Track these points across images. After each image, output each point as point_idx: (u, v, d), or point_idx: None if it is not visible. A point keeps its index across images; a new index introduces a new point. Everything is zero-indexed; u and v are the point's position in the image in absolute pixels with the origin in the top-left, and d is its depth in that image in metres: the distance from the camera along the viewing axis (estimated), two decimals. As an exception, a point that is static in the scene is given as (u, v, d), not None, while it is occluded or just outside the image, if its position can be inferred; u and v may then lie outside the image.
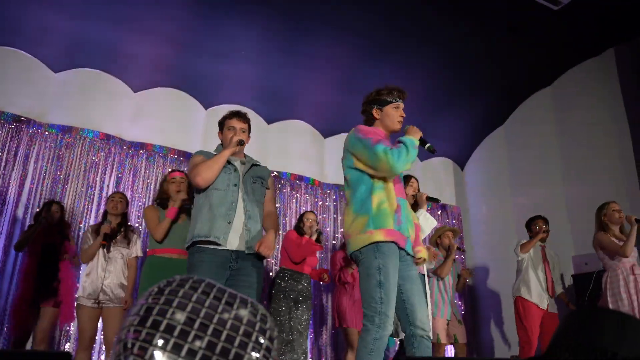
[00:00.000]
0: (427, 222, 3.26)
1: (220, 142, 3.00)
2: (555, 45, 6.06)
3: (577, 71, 6.49)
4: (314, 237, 4.51)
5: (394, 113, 2.65)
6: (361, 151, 2.52)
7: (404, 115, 2.68)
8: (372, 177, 2.52)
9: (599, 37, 6.06)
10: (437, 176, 7.12)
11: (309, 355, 5.50)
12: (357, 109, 6.31)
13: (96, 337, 4.01)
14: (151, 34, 5.19)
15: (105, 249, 3.78)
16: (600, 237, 4.24)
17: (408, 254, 2.56)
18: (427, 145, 2.59)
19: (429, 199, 3.48)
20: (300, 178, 6.04)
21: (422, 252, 2.63)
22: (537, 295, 4.51)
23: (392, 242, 2.43)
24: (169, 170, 4.16)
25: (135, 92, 5.55)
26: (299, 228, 4.64)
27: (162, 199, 3.64)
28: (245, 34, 5.36)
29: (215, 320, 0.86)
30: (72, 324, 4.43)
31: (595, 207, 5.76)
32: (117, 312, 3.71)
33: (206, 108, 5.90)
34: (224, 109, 5.83)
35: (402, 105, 2.69)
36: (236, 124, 2.89)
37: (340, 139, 6.56)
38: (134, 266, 3.90)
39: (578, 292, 5.23)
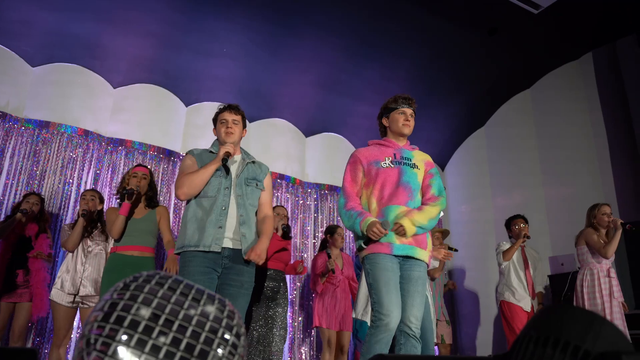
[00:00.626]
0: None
1: (216, 138, 2.94)
2: (534, 49, 6.15)
3: (556, 74, 6.59)
4: (279, 233, 4.32)
5: (398, 118, 2.84)
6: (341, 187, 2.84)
7: (410, 120, 2.85)
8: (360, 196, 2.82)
9: (577, 41, 6.16)
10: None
11: (288, 355, 5.49)
12: (339, 108, 6.39)
13: (72, 335, 3.96)
14: (132, 29, 5.13)
15: (83, 243, 3.75)
16: (589, 232, 4.29)
17: (407, 257, 2.65)
18: (360, 244, 2.70)
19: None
20: (282, 177, 6.02)
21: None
22: (521, 297, 4.53)
23: (375, 253, 2.61)
24: (136, 164, 4.09)
25: (115, 87, 5.48)
26: None
27: (121, 195, 3.58)
28: (228, 32, 5.33)
29: (180, 316, 0.85)
30: (48, 320, 4.37)
31: (573, 208, 5.88)
32: None
33: (187, 105, 5.85)
34: (205, 106, 5.85)
35: (408, 110, 2.87)
36: (228, 116, 2.84)
37: (321, 138, 6.58)
38: None
39: (554, 292, 5.31)
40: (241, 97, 5.89)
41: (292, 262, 4.71)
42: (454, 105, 6.84)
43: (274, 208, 4.50)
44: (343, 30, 5.52)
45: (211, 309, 0.89)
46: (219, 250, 2.61)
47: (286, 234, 4.41)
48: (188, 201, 2.76)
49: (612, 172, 5.87)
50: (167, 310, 0.85)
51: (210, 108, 5.79)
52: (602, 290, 4.08)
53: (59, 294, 3.65)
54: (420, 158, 2.87)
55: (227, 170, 2.74)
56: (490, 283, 6.52)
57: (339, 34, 5.56)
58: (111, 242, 3.86)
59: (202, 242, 2.59)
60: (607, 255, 4.14)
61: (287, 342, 5.44)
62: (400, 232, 2.59)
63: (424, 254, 2.68)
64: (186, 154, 2.87)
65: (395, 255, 2.62)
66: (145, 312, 0.83)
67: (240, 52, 5.57)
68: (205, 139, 5.61)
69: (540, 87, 6.73)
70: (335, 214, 6.32)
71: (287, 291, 4.41)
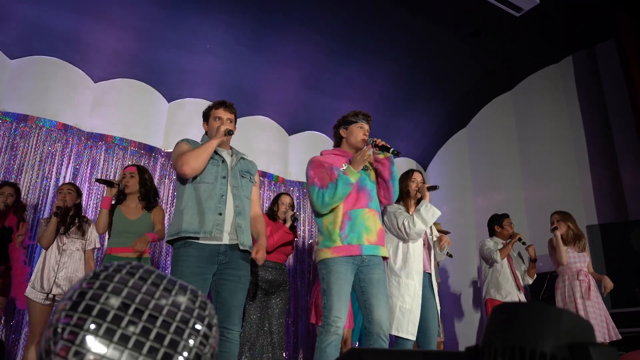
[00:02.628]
0: (428, 213, 3.25)
1: (205, 132, 2.90)
2: (516, 51, 6.22)
3: (536, 77, 6.68)
4: (289, 224, 4.21)
5: (357, 131, 2.97)
6: (309, 190, 2.90)
7: (367, 136, 2.97)
8: None
9: (558, 45, 6.24)
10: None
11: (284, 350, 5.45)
12: (322, 106, 6.39)
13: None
14: (114, 23, 5.07)
15: (59, 240, 3.68)
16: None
17: (372, 256, 2.76)
18: (392, 150, 2.84)
19: (429, 188, 3.49)
20: (264, 174, 6.00)
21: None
22: (507, 293, 4.55)
23: (332, 258, 2.70)
24: (128, 163, 4.06)
25: (95, 82, 5.41)
26: (272, 212, 4.31)
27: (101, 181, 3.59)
28: (211, 28, 5.30)
29: (151, 306, 0.84)
30: (23, 317, 4.30)
31: (552, 208, 5.90)
32: None
33: (169, 101, 5.80)
34: (187, 102, 5.80)
35: (366, 126, 2.99)
36: (222, 114, 2.80)
37: (304, 137, 6.58)
38: (92, 258, 3.80)
39: (533, 292, 5.37)
40: (224, 94, 5.85)
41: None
42: (436, 106, 6.89)
43: (279, 196, 4.43)
44: (325, 28, 5.53)
45: (183, 299, 0.88)
46: (220, 238, 2.56)
47: (293, 226, 4.28)
48: (183, 185, 2.69)
49: (591, 174, 5.97)
50: (137, 299, 0.84)
51: (192, 104, 5.74)
52: (575, 293, 4.14)
53: (33, 292, 3.57)
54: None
55: (229, 132, 2.73)
56: (471, 281, 6.58)
57: (322, 32, 5.56)
58: (89, 239, 3.81)
59: (202, 229, 2.54)
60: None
61: (287, 338, 5.33)
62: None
63: (385, 251, 2.86)
64: (180, 141, 2.79)
65: (362, 256, 2.72)
66: (115, 302, 0.82)
67: (223, 49, 5.54)
68: (188, 135, 5.51)
69: (521, 89, 6.81)
70: (317, 213, 6.32)
71: (287, 285, 4.26)
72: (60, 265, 3.62)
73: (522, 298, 4.61)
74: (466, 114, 7.18)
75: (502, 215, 4.87)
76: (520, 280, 4.62)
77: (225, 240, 2.59)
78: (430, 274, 3.38)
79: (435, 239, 3.56)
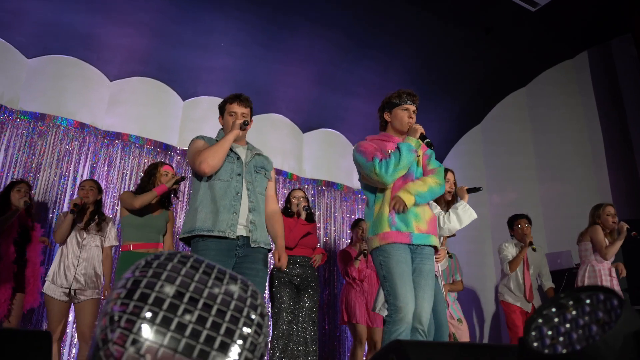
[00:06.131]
0: (466, 214, 3.20)
1: (221, 127, 2.88)
2: (531, 47, 6.16)
3: (551, 73, 6.62)
4: (303, 216, 4.18)
5: (402, 114, 2.82)
6: (360, 169, 2.76)
7: (413, 117, 2.84)
8: (375, 188, 2.76)
9: (573, 40, 6.18)
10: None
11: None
12: (336, 104, 6.38)
13: (67, 330, 3.91)
14: (129, 22, 5.09)
15: (78, 236, 3.68)
16: (596, 229, 4.25)
17: (423, 245, 2.66)
18: (426, 140, 2.76)
19: (470, 190, 3.41)
20: (278, 172, 6.00)
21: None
22: (518, 299, 4.54)
23: (389, 243, 2.59)
24: (160, 161, 4.05)
25: (111, 80, 5.43)
26: (287, 210, 4.30)
27: (145, 191, 3.54)
28: (225, 26, 5.30)
29: (205, 294, 0.84)
30: (42, 314, 4.32)
31: (568, 206, 5.91)
32: (90, 304, 3.60)
33: (184, 99, 5.81)
34: (202, 100, 5.81)
35: (412, 107, 2.84)
36: (237, 108, 2.77)
37: (318, 134, 6.57)
38: (110, 255, 3.80)
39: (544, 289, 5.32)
40: (238, 92, 5.85)
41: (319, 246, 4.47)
42: (449, 103, 6.85)
43: (291, 192, 4.42)
44: (339, 26, 5.51)
45: (235, 288, 0.87)
46: (234, 237, 2.54)
47: (310, 217, 4.25)
48: (198, 182, 2.67)
49: (607, 169, 5.90)
50: (191, 288, 0.83)
51: (207, 102, 5.75)
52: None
53: (52, 288, 3.57)
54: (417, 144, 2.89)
55: (245, 124, 2.70)
56: (487, 279, 6.54)
57: (335, 30, 5.55)
58: (107, 236, 3.81)
59: (216, 227, 2.52)
60: (607, 257, 4.14)
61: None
62: (398, 206, 2.60)
63: (436, 240, 2.74)
64: (195, 138, 2.77)
65: (411, 245, 2.62)
66: (170, 290, 0.81)
67: (238, 47, 5.54)
68: (203, 133, 5.55)
69: (535, 85, 6.75)
70: (332, 210, 6.31)
71: (317, 280, 4.20)
72: (80, 261, 3.63)
73: (536, 304, 4.57)
74: (480, 110, 7.14)
75: (516, 215, 4.83)
76: (531, 290, 4.57)
77: (242, 232, 2.58)
78: (436, 276, 3.36)
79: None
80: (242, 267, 2.57)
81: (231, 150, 2.68)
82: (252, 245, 2.59)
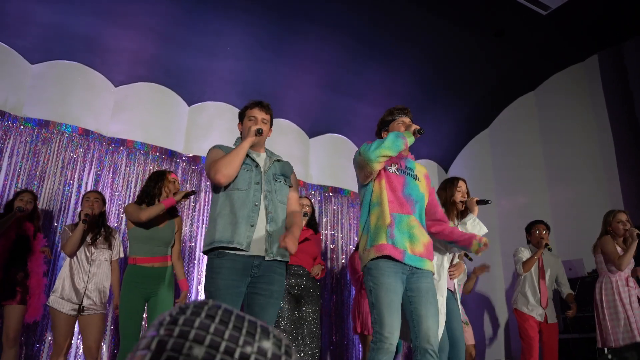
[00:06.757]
0: (476, 228, 3.14)
1: (240, 134, 2.80)
2: (540, 50, 6.09)
3: (561, 77, 6.54)
4: (304, 221, 4.05)
5: (398, 127, 2.79)
6: (354, 165, 2.74)
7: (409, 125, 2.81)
8: (370, 197, 2.68)
9: (584, 43, 6.10)
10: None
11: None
12: (343, 108, 6.31)
13: (72, 343, 3.84)
14: (134, 27, 5.02)
15: (87, 251, 3.62)
16: (605, 241, 4.18)
17: (417, 268, 2.58)
18: (416, 128, 2.71)
19: (479, 202, 3.31)
20: (284, 178, 5.91)
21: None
22: (533, 307, 4.45)
23: (385, 256, 2.51)
24: (166, 170, 3.95)
25: (116, 86, 5.36)
26: None
27: (150, 196, 3.47)
28: (231, 30, 5.23)
29: (237, 355, 0.76)
30: (46, 327, 4.26)
31: (579, 212, 5.82)
32: (97, 319, 3.53)
33: (189, 105, 5.74)
34: (208, 105, 5.74)
35: (406, 119, 2.82)
36: (257, 114, 2.69)
37: (325, 139, 6.50)
38: (117, 269, 3.74)
39: (562, 297, 5.24)
40: (244, 97, 5.77)
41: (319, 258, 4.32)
42: (458, 107, 6.77)
43: None
44: (346, 30, 5.44)
45: (268, 345, 0.79)
46: (251, 253, 2.47)
47: (313, 225, 4.11)
48: (217, 193, 2.60)
49: (618, 175, 5.81)
50: (222, 348, 0.75)
51: (213, 108, 5.69)
52: (623, 299, 3.98)
53: (59, 302, 3.50)
54: (420, 170, 2.85)
55: (259, 131, 2.61)
56: (496, 287, 6.46)
57: (342, 33, 5.48)
58: (115, 249, 3.75)
59: (235, 239, 2.45)
60: (621, 268, 4.05)
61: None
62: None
63: (432, 266, 2.67)
64: (212, 148, 2.70)
65: (404, 264, 2.55)
66: (199, 352, 0.73)
67: (244, 52, 5.47)
68: (208, 139, 5.51)
69: (544, 89, 6.67)
70: (339, 216, 6.23)
71: (317, 290, 4.05)
72: (90, 276, 3.57)
73: (548, 313, 4.49)
74: (488, 114, 7.06)
75: (534, 222, 4.74)
76: (547, 297, 4.49)
77: (255, 252, 2.50)
78: (452, 292, 3.29)
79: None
80: (257, 288, 2.50)
81: (249, 157, 2.61)
82: (267, 258, 2.50)
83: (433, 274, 2.70)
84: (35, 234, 3.86)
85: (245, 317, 0.85)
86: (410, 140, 2.63)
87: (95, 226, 3.73)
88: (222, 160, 2.51)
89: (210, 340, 0.76)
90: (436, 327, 2.53)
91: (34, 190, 4.46)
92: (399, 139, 2.58)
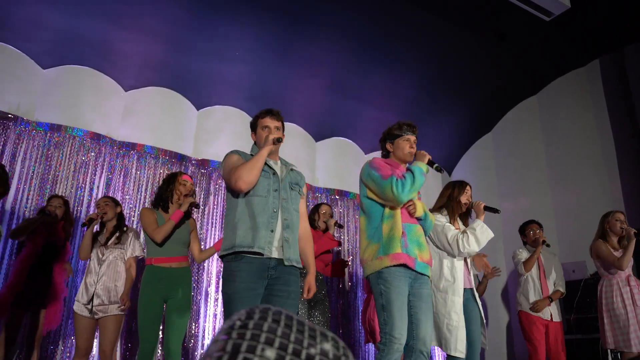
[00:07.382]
0: (483, 235, 3.19)
1: (254, 142, 2.85)
2: (543, 55, 6.16)
3: (563, 81, 6.62)
4: (331, 230, 4.10)
5: (404, 145, 2.95)
6: (372, 184, 2.84)
7: (414, 147, 2.98)
8: (383, 206, 2.83)
9: (586, 48, 6.18)
10: (425, 181, 7.15)
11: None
12: (348, 112, 6.38)
13: (93, 347, 3.90)
14: (144, 32, 5.09)
15: (99, 253, 3.67)
16: (598, 245, 4.24)
17: (422, 274, 2.79)
18: (435, 165, 2.93)
19: (487, 208, 3.35)
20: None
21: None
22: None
23: (400, 264, 2.70)
24: (179, 171, 4.00)
25: (126, 90, 5.43)
26: (312, 221, 4.25)
27: (163, 199, 3.55)
28: (239, 35, 5.30)
29: (303, 356, 0.83)
30: (60, 331, 4.32)
31: (581, 214, 5.89)
32: (113, 321, 3.57)
33: (198, 109, 5.81)
34: (216, 109, 5.81)
35: (412, 137, 2.98)
36: (270, 122, 2.74)
37: (331, 143, 6.56)
38: (134, 265, 3.74)
39: (566, 299, 5.31)
40: (251, 101, 5.87)
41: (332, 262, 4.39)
42: (461, 111, 6.85)
43: (319, 205, 4.46)
44: (351, 34, 5.51)
45: (328, 347, 0.87)
46: (270, 256, 2.53)
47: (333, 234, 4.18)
48: (236, 198, 2.65)
49: (620, 178, 5.89)
50: (290, 350, 0.83)
51: (221, 112, 5.75)
52: (625, 300, 4.04)
53: (78, 305, 3.58)
54: None
55: (278, 140, 2.68)
56: (499, 289, 6.53)
57: (347, 37, 5.54)
58: (130, 247, 3.78)
59: (256, 244, 2.50)
60: (622, 267, 4.09)
61: None
62: (411, 209, 2.81)
63: (431, 271, 2.92)
64: (229, 153, 2.74)
65: (414, 271, 2.74)
66: (271, 354, 0.81)
67: (251, 56, 5.54)
68: (217, 143, 5.58)
69: (547, 93, 6.75)
70: (345, 219, 6.30)
71: (325, 290, 4.10)
72: (100, 276, 3.61)
73: (553, 311, 4.54)
74: (491, 118, 7.14)
75: (526, 222, 4.82)
76: (549, 291, 4.56)
77: (274, 254, 2.56)
78: (472, 290, 3.35)
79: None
80: (274, 289, 2.55)
81: (266, 164, 2.67)
82: (286, 264, 2.57)
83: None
84: (65, 243, 3.92)
85: (305, 321, 0.93)
86: (426, 168, 2.87)
87: (111, 228, 3.77)
88: (243, 168, 2.55)
89: (280, 342, 0.83)
90: (431, 332, 2.75)
91: (47, 194, 4.53)
92: (423, 176, 2.80)
